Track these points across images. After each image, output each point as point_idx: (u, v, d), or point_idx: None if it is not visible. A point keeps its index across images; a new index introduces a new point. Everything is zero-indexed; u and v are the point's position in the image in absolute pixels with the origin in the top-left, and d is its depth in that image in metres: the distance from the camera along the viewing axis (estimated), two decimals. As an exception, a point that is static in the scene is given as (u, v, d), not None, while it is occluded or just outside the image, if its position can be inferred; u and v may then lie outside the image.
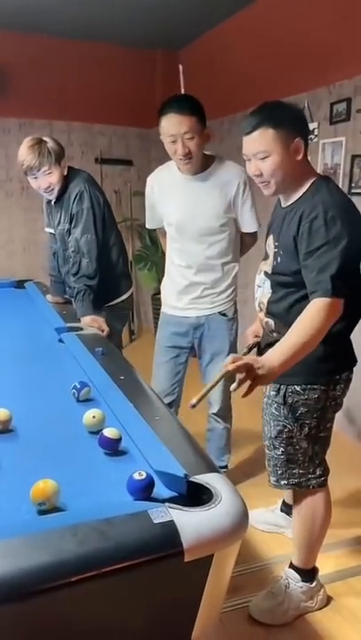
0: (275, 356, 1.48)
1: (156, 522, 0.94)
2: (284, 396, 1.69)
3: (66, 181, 2.37)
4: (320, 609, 1.88)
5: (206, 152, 2.25)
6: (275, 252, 1.69)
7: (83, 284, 2.31)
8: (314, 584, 1.86)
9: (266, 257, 1.78)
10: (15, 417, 1.39)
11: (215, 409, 2.50)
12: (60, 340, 2.11)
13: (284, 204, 1.69)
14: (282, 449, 1.74)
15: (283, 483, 1.78)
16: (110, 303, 2.49)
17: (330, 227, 1.50)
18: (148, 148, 5.11)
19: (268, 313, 1.73)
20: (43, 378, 1.79)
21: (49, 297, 2.74)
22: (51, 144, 2.28)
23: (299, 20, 3.37)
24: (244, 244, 2.43)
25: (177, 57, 5.04)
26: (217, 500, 1.01)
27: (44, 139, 2.30)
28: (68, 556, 0.87)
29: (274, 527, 2.31)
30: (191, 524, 0.95)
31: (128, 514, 0.96)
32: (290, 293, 1.65)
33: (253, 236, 2.42)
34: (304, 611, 1.85)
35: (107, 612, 0.91)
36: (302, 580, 1.84)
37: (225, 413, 2.54)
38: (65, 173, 2.36)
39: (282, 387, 1.69)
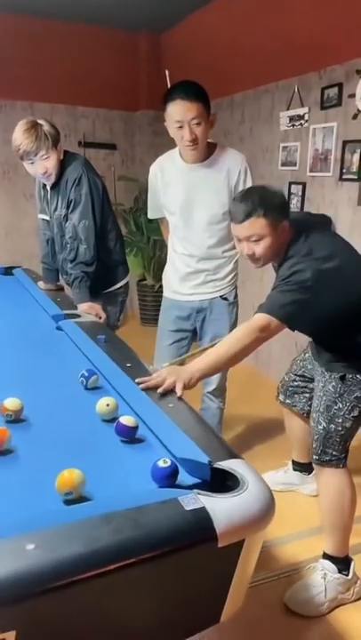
0: (196, 367, 1.61)
1: (187, 509, 0.94)
2: (344, 377, 1.80)
3: (62, 166, 2.30)
4: (358, 600, 1.90)
5: (208, 140, 2.23)
6: None
7: (80, 270, 2.28)
8: (350, 575, 1.89)
9: None
10: (25, 406, 1.36)
11: (211, 387, 2.55)
12: (58, 328, 2.08)
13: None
14: (324, 424, 1.83)
15: (314, 458, 1.87)
16: (108, 290, 2.47)
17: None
18: (132, 132, 5.03)
19: None
20: (46, 366, 1.76)
21: (41, 284, 2.69)
22: (46, 127, 2.20)
23: (288, 3, 3.35)
24: None
25: (160, 40, 4.97)
26: (244, 486, 1.01)
27: (39, 121, 2.21)
28: (103, 545, 0.86)
29: (287, 486, 2.45)
30: (222, 510, 0.95)
31: (159, 501, 0.96)
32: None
33: None
34: (340, 602, 1.87)
35: (141, 599, 0.91)
36: (339, 572, 1.87)
37: (220, 393, 2.59)
38: (61, 157, 2.30)
39: (347, 374, 1.80)
